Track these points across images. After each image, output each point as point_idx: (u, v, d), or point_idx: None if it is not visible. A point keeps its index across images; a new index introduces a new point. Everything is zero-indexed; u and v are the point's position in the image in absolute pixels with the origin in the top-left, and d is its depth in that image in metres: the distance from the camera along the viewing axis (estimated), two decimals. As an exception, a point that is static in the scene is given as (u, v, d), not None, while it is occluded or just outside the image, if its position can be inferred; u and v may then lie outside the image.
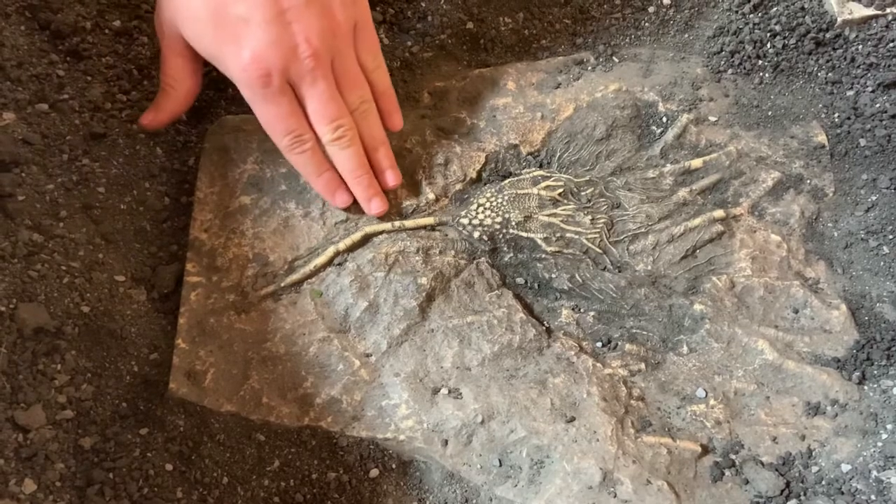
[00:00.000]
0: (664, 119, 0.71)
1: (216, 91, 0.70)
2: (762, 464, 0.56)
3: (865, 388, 0.59)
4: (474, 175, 0.66)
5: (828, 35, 0.74)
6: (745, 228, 0.66)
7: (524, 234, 0.63)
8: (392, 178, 0.63)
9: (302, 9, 0.55)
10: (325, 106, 0.58)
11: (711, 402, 0.58)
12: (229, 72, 0.57)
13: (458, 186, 0.66)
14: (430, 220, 0.63)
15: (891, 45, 0.73)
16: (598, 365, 0.59)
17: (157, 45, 0.69)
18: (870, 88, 0.72)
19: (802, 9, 0.75)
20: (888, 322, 0.62)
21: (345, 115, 0.59)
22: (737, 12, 0.76)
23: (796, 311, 0.62)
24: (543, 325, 0.61)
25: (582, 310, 0.63)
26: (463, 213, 0.64)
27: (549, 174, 0.66)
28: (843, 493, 0.55)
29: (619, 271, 0.64)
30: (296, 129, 0.58)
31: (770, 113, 0.72)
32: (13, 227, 0.56)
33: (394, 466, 0.56)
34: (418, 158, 0.66)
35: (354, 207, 0.63)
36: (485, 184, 0.67)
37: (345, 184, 0.62)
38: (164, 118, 0.62)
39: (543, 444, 0.55)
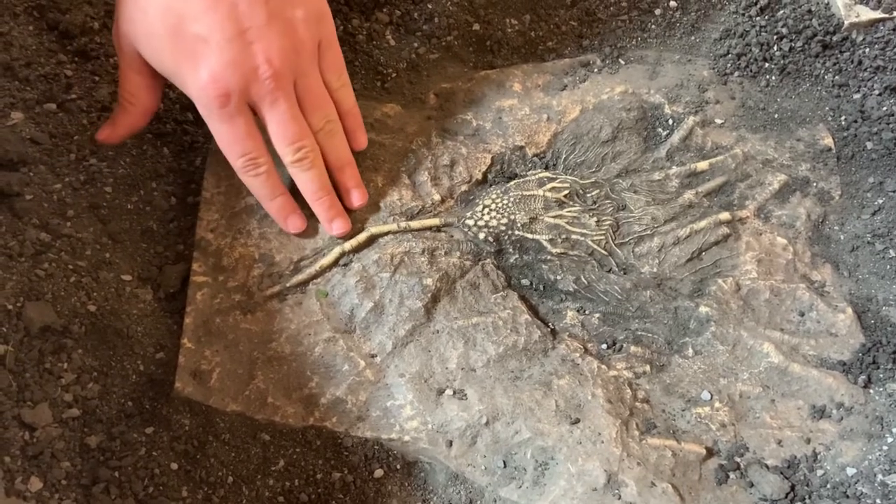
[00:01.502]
0: (670, 121, 0.71)
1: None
2: (767, 467, 0.56)
3: (871, 391, 0.59)
4: (480, 176, 0.66)
5: (835, 38, 0.74)
6: (750, 231, 0.66)
7: (529, 236, 0.63)
8: (357, 197, 0.62)
9: (263, 28, 0.54)
10: (286, 127, 0.57)
11: (716, 404, 0.58)
12: (187, 90, 0.55)
13: (464, 188, 0.66)
14: (435, 221, 0.64)
15: (898, 48, 0.73)
16: (603, 367, 0.59)
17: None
18: (877, 91, 0.72)
19: (809, 11, 0.75)
20: (894, 325, 0.62)
21: (306, 136, 0.58)
22: (743, 15, 0.76)
23: (802, 314, 0.62)
24: (548, 326, 0.61)
25: (587, 311, 0.63)
26: (468, 215, 0.64)
27: (554, 176, 0.66)
28: (848, 497, 0.55)
29: (625, 273, 0.64)
30: (251, 152, 0.57)
31: (776, 116, 0.72)
32: (21, 226, 0.56)
33: (398, 467, 0.56)
34: (424, 159, 0.66)
35: (310, 230, 0.62)
36: (490, 185, 0.67)
37: (298, 209, 0.61)
38: (121, 133, 0.61)
39: (548, 445, 0.55)
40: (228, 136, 0.57)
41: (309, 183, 0.60)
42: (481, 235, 0.63)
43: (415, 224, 0.63)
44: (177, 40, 0.53)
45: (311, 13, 0.57)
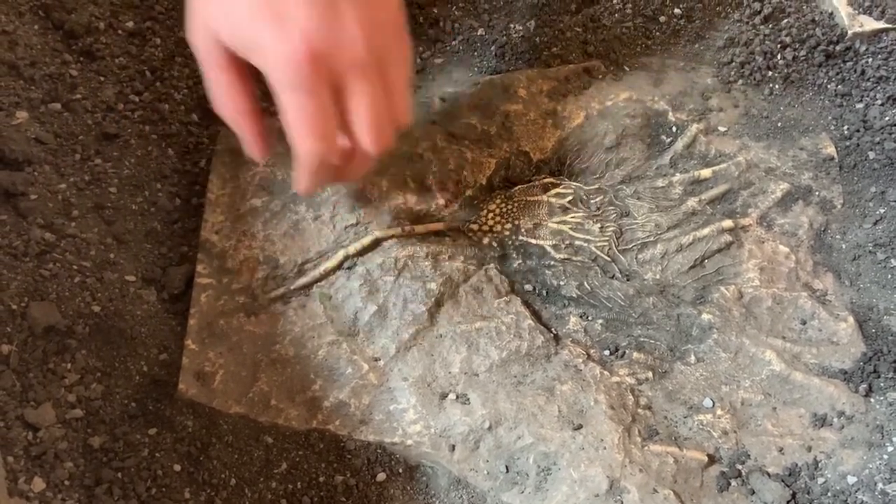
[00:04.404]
0: (674, 128, 0.71)
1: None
2: (768, 474, 0.56)
3: (872, 400, 0.59)
4: (484, 181, 0.67)
5: (838, 47, 0.74)
6: (753, 239, 0.66)
7: (533, 241, 0.63)
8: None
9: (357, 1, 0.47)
10: (375, 113, 0.49)
11: (718, 411, 0.58)
12: (265, 53, 0.46)
13: (469, 192, 0.66)
14: (439, 226, 0.64)
15: (901, 58, 0.73)
16: (606, 373, 0.59)
17: (169, 47, 0.70)
18: (879, 101, 0.73)
19: (813, 21, 0.75)
20: (895, 335, 0.62)
21: (391, 127, 0.51)
22: (748, 23, 0.76)
23: (804, 323, 0.62)
24: (551, 332, 0.61)
25: (590, 317, 0.63)
26: (473, 219, 0.64)
27: (558, 181, 0.67)
28: (848, 505, 0.55)
29: (628, 280, 0.64)
30: (329, 136, 0.49)
31: (779, 124, 0.73)
32: (25, 226, 0.56)
33: (401, 471, 0.56)
34: (429, 164, 0.66)
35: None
36: (495, 190, 0.67)
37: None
38: (256, 147, 0.54)
39: (550, 451, 0.55)
40: (309, 110, 0.47)
41: (357, 175, 0.54)
42: (485, 240, 0.63)
43: (419, 228, 0.63)
44: (261, 4, 0.46)
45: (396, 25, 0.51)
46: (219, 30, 0.48)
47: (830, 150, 0.71)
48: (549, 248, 0.63)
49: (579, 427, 0.56)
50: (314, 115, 0.48)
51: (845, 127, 0.72)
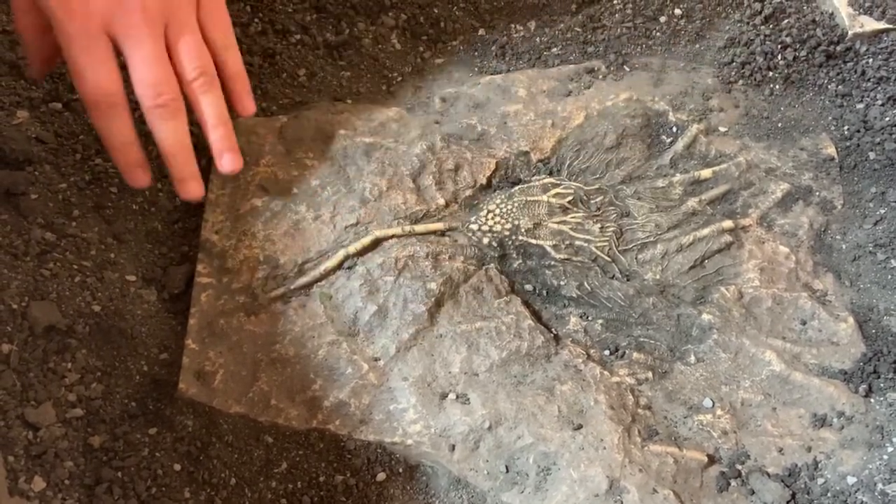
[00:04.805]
0: (674, 129, 0.71)
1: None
2: (768, 475, 0.56)
3: (872, 400, 0.59)
4: (484, 181, 0.67)
5: (838, 48, 0.74)
6: (753, 239, 0.66)
7: (533, 241, 0.63)
8: (229, 161, 0.58)
9: None
10: (149, 68, 0.53)
11: (718, 412, 0.58)
12: (50, 9, 0.51)
13: (469, 192, 0.66)
14: (439, 226, 0.64)
15: (901, 59, 0.73)
16: (606, 373, 0.59)
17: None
18: (879, 102, 0.73)
19: (814, 21, 0.75)
20: (895, 335, 0.62)
21: (171, 81, 0.54)
22: (748, 23, 0.76)
23: (804, 323, 0.62)
24: (551, 332, 0.61)
25: (590, 318, 0.63)
26: (473, 219, 0.64)
27: (558, 182, 0.67)
28: (848, 506, 0.55)
29: (628, 280, 0.64)
30: (107, 86, 0.53)
31: (780, 124, 0.73)
32: (26, 226, 0.56)
33: (401, 470, 0.56)
34: (428, 164, 0.66)
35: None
36: (495, 190, 0.67)
37: (147, 163, 0.57)
38: (38, 70, 0.58)
39: (550, 451, 0.55)
40: (83, 64, 0.52)
41: (168, 135, 0.55)
42: (485, 240, 0.63)
43: (419, 228, 0.63)
44: None
45: None
46: None
47: (831, 150, 0.71)
48: (549, 248, 0.63)
49: (579, 427, 0.56)
50: (87, 66, 0.52)
51: (845, 127, 0.73)
